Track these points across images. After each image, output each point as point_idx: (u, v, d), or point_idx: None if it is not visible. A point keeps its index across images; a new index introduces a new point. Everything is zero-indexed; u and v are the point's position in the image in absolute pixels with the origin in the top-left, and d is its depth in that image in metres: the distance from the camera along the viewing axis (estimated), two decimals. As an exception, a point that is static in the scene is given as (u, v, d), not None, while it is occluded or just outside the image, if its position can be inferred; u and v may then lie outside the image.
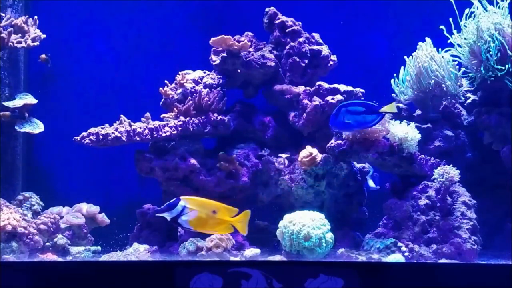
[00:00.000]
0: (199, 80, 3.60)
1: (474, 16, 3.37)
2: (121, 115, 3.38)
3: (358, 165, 3.47)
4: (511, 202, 3.35)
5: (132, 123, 3.37)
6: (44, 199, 3.58)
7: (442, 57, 3.46)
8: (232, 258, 3.05)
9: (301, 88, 3.55)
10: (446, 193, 3.14)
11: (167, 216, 2.53)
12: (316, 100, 3.44)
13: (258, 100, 3.76)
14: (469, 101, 3.60)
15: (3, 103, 3.63)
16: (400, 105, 3.61)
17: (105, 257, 3.10)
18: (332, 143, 3.30)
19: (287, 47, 3.68)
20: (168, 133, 3.37)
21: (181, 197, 2.55)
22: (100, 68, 4.08)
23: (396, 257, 2.96)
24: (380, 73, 3.85)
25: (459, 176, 3.12)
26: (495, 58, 3.26)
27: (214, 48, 3.67)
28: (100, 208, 3.58)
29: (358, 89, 3.48)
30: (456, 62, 3.48)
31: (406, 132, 3.20)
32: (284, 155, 3.48)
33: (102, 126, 3.34)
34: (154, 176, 3.41)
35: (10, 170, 3.74)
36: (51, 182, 4.03)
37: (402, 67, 3.59)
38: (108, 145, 3.29)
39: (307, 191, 3.38)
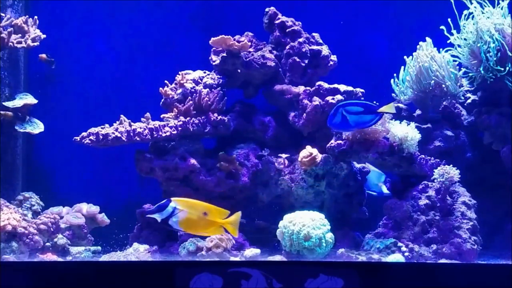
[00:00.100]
0: (199, 80, 3.60)
1: (473, 16, 3.37)
2: (121, 115, 3.38)
3: (358, 165, 3.47)
4: (511, 202, 3.36)
5: (132, 123, 3.37)
6: (44, 199, 3.58)
7: (443, 57, 3.46)
8: (232, 258, 3.05)
9: (301, 88, 3.55)
10: (446, 193, 3.14)
11: (158, 217, 2.53)
12: (316, 100, 3.44)
13: (258, 100, 3.76)
14: (469, 101, 3.59)
15: (3, 103, 3.63)
16: (400, 105, 3.61)
17: (105, 257, 3.10)
18: (332, 143, 3.30)
19: (287, 47, 3.68)
20: (168, 133, 3.37)
21: (172, 198, 2.55)
22: (100, 68, 4.08)
23: (396, 257, 2.96)
24: (380, 73, 3.85)
25: (459, 176, 3.12)
26: (495, 58, 3.26)
27: (214, 48, 3.67)
28: (100, 208, 3.58)
29: (358, 89, 3.47)
30: (457, 62, 3.49)
31: (406, 132, 3.20)
32: (284, 155, 3.48)
33: (102, 126, 3.34)
34: (154, 176, 3.41)
35: (10, 170, 3.74)
36: (51, 182, 4.03)
37: (402, 67, 3.59)
38: (108, 145, 3.29)
39: (307, 191, 3.38)
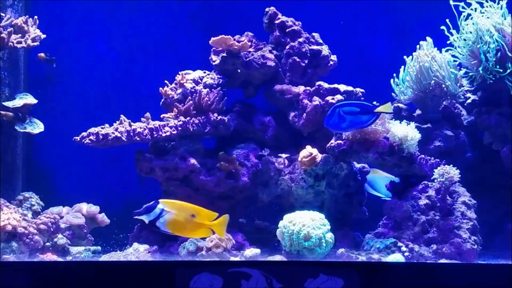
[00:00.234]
0: (199, 80, 3.60)
1: (472, 17, 3.37)
2: (121, 115, 3.38)
3: (358, 165, 3.47)
4: (511, 202, 3.36)
5: (132, 123, 3.37)
6: (44, 199, 3.58)
7: (443, 57, 3.45)
8: (232, 258, 3.05)
9: (301, 88, 3.55)
10: (446, 193, 3.14)
11: (145, 218, 2.53)
12: (316, 100, 3.44)
13: (258, 100, 3.76)
14: (469, 101, 3.59)
15: (3, 103, 3.63)
16: (400, 105, 3.61)
17: (105, 257, 3.10)
18: (332, 143, 3.30)
19: (287, 47, 3.68)
20: (168, 133, 3.37)
21: (160, 200, 2.55)
22: (100, 68, 4.07)
23: (396, 257, 2.96)
24: (380, 73, 3.85)
25: (459, 176, 3.12)
26: (494, 59, 3.26)
27: (214, 48, 3.67)
28: (100, 208, 3.58)
29: (358, 89, 3.48)
30: (457, 62, 3.49)
31: (406, 132, 3.20)
32: (284, 155, 3.48)
33: (102, 126, 3.34)
34: (154, 176, 3.41)
35: (10, 170, 3.74)
36: (51, 182, 4.03)
37: (402, 67, 3.59)
38: (108, 145, 3.29)
39: (307, 191, 3.38)
